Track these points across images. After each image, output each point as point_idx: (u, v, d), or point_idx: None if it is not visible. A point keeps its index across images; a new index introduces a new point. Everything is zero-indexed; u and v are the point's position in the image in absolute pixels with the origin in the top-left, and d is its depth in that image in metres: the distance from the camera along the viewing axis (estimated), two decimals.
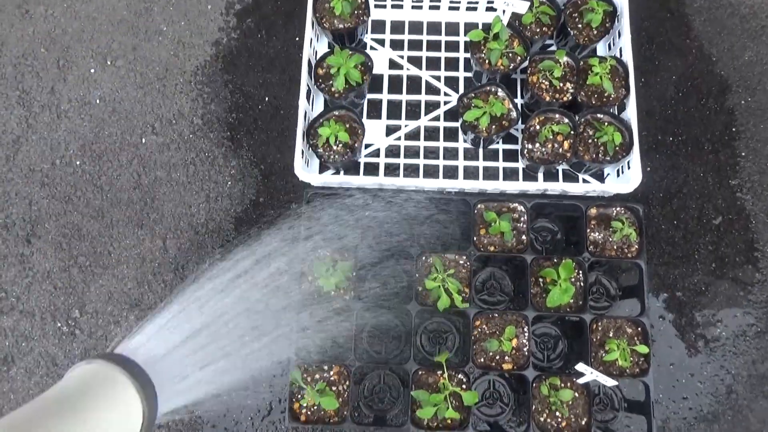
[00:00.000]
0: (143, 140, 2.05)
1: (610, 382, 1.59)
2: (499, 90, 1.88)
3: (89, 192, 2.01)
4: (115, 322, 1.91)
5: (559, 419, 1.67)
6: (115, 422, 1.07)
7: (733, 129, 2.01)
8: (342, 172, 1.95)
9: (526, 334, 1.72)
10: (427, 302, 1.75)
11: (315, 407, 1.68)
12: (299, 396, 1.69)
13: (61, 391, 1.08)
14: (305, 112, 1.87)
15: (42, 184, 2.03)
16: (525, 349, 1.71)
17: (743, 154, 1.99)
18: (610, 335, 1.72)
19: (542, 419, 1.67)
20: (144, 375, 1.16)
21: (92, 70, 2.12)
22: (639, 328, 1.73)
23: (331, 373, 1.72)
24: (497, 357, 1.72)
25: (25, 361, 1.89)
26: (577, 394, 1.69)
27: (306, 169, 1.85)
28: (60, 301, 1.93)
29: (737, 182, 1.97)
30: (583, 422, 1.67)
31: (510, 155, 1.98)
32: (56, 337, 1.91)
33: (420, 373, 1.71)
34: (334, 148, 1.85)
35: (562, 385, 1.69)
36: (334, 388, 1.69)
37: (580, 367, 1.58)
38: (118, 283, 1.94)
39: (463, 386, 1.69)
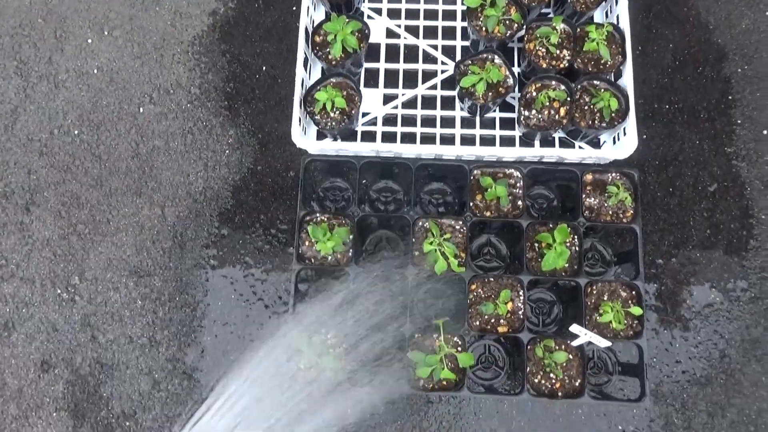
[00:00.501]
0: (141, 110, 2.06)
1: (603, 343, 1.61)
2: (496, 57, 1.88)
3: (87, 161, 2.02)
4: (114, 289, 1.93)
5: (553, 380, 1.69)
6: None
7: (730, 97, 2.02)
8: (339, 140, 1.95)
9: (522, 298, 1.74)
10: (423, 266, 1.76)
11: (313, 368, 1.70)
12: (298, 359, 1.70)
13: None
14: (302, 80, 1.88)
15: (41, 154, 2.03)
16: (520, 312, 1.73)
17: (739, 121, 2.00)
18: (605, 298, 1.74)
19: (536, 381, 1.69)
20: None
21: (89, 41, 2.12)
22: (633, 292, 1.74)
23: (329, 335, 1.73)
24: (493, 320, 1.74)
25: (26, 327, 1.91)
26: (571, 357, 1.70)
27: (303, 137, 1.86)
28: (59, 268, 1.95)
29: (733, 150, 1.98)
30: (577, 383, 1.69)
31: (507, 123, 1.98)
32: (56, 304, 1.92)
33: (416, 336, 1.73)
34: (331, 114, 1.85)
35: (557, 347, 1.71)
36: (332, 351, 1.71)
37: (574, 328, 1.60)
38: (117, 250, 1.95)
39: (459, 348, 1.71)
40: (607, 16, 2.01)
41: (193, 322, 1.90)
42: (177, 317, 1.90)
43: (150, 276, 1.93)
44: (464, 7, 1.99)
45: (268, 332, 1.84)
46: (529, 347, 1.70)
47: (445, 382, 1.68)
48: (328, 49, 1.90)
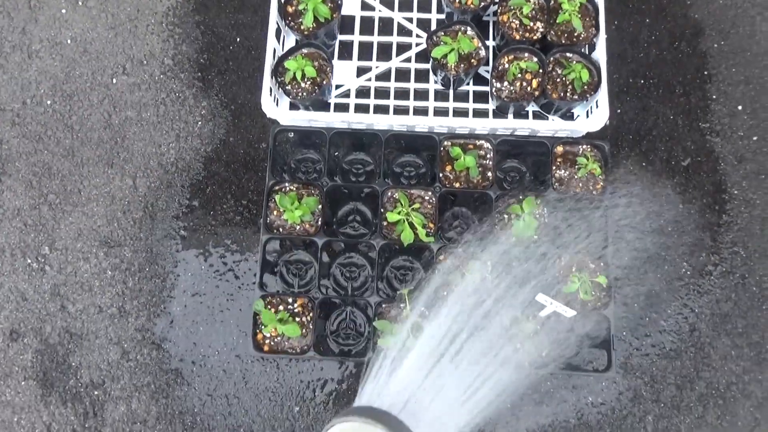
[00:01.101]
0: (114, 80, 2.05)
1: (570, 313, 1.61)
2: (469, 28, 1.87)
3: (60, 131, 2.01)
4: (84, 259, 1.92)
5: (520, 351, 1.68)
6: None
7: (705, 72, 2.01)
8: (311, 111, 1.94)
9: (490, 269, 1.73)
10: (391, 236, 1.75)
11: (279, 337, 1.70)
12: (262, 327, 1.70)
13: None
14: (274, 50, 1.87)
15: (12, 123, 2.02)
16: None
17: (714, 97, 1.99)
18: (573, 270, 1.73)
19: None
20: (404, 427, 1.10)
21: (63, 11, 2.11)
22: (602, 264, 1.73)
23: (296, 305, 1.73)
24: None
25: None
26: (538, 327, 1.70)
27: (275, 107, 1.85)
28: (30, 237, 1.94)
29: (707, 125, 1.97)
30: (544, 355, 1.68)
31: (480, 97, 1.97)
32: (26, 273, 1.92)
33: (383, 306, 1.72)
34: (302, 84, 1.85)
35: (524, 318, 1.70)
36: (298, 319, 1.71)
37: (541, 297, 1.60)
38: (88, 220, 1.95)
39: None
40: None
41: (162, 293, 1.89)
42: (147, 287, 1.90)
43: (120, 246, 1.93)
44: None
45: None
46: None
47: None
48: (300, 20, 1.89)
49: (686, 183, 1.93)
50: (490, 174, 1.80)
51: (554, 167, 1.80)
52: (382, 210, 1.77)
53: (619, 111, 1.96)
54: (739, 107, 1.98)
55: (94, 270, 1.91)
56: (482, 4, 1.88)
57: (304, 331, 1.69)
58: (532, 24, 1.87)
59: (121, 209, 1.95)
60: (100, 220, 1.95)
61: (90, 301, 1.89)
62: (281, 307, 1.72)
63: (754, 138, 1.95)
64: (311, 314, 1.71)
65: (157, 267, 1.91)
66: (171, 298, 1.89)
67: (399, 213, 1.71)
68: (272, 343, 1.70)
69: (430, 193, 1.78)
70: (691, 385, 1.80)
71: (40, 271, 1.92)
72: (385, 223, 1.77)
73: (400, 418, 1.15)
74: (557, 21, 1.87)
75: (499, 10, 1.89)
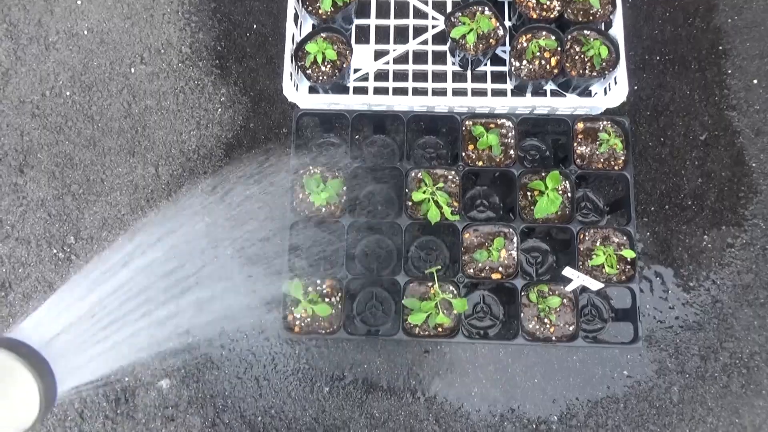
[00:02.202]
0: (132, 70, 2.05)
1: (596, 285, 1.63)
2: (486, 8, 1.88)
3: (80, 122, 2.02)
4: (110, 248, 1.93)
5: (548, 326, 1.70)
6: (10, 410, 1.02)
7: (720, 47, 2.02)
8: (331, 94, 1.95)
9: (515, 246, 1.75)
10: (416, 216, 1.77)
11: (309, 318, 1.72)
12: (292, 308, 1.72)
13: None
14: (293, 35, 1.87)
15: (33, 115, 2.03)
16: (514, 259, 1.74)
17: (729, 71, 2.00)
18: (597, 244, 1.75)
19: (531, 327, 1.71)
20: (37, 356, 1.08)
21: (79, 2, 2.11)
22: (625, 237, 1.75)
23: (324, 286, 1.75)
24: (487, 268, 1.75)
25: (23, 287, 1.92)
26: (565, 302, 1.72)
27: (295, 92, 1.86)
28: (55, 228, 1.95)
29: (723, 99, 1.99)
30: (571, 328, 1.70)
31: (498, 77, 1.99)
32: (52, 263, 1.93)
33: (411, 284, 1.74)
34: (322, 68, 1.86)
35: (551, 292, 1.72)
36: (327, 300, 1.72)
37: (567, 271, 1.62)
38: (112, 209, 1.96)
39: (454, 295, 1.72)
40: None
41: (189, 279, 1.90)
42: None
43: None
44: None
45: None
46: (523, 293, 1.71)
47: (440, 329, 1.70)
48: (318, 4, 1.90)
49: (704, 157, 1.94)
50: (512, 152, 1.82)
51: (575, 144, 1.82)
52: (407, 190, 1.79)
53: (636, 88, 1.98)
54: (755, 81, 1.99)
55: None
56: None
57: (333, 311, 1.70)
58: (548, 2, 1.88)
59: (145, 197, 1.96)
60: (124, 208, 1.96)
61: None
62: (310, 288, 1.74)
63: None
64: (340, 294, 1.73)
65: None
66: (197, 284, 1.90)
67: (424, 192, 1.72)
68: (303, 324, 1.71)
69: (453, 172, 1.80)
70: (715, 356, 1.82)
71: (66, 261, 1.93)
72: (410, 203, 1.78)
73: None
74: None
75: None
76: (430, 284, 1.73)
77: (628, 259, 1.73)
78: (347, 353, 1.84)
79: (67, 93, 2.04)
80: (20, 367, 1.05)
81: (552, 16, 1.88)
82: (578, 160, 1.81)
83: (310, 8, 1.91)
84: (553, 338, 1.70)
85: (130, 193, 1.97)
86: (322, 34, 1.89)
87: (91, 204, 1.96)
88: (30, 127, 2.02)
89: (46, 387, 1.08)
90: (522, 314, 1.71)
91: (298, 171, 1.81)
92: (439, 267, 1.75)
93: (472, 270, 1.75)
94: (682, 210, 1.91)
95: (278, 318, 1.71)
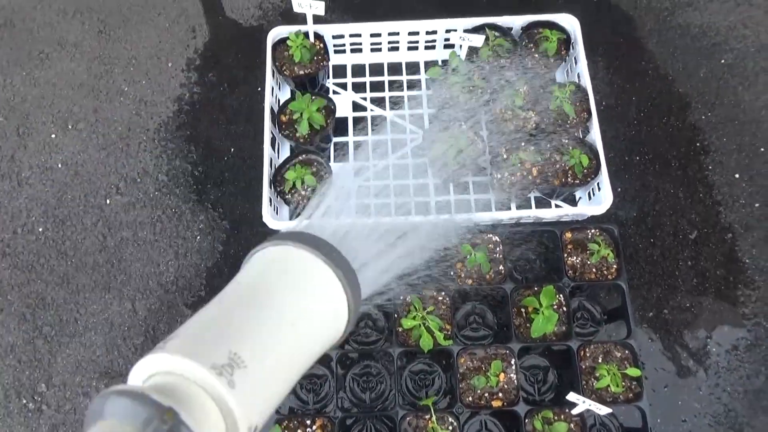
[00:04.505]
0: (108, 201, 2.00)
1: (603, 410, 1.53)
2: (463, 123, 1.89)
3: (53, 258, 1.95)
4: (84, 393, 1.81)
5: None
6: (326, 317, 0.81)
7: (698, 144, 2.03)
8: None
9: (514, 368, 1.66)
10: (408, 342, 1.68)
11: None
12: None
13: (255, 280, 0.80)
14: (270, 160, 1.85)
15: (3, 255, 1.96)
16: (514, 383, 1.65)
17: (710, 167, 2.00)
18: (600, 361, 1.67)
19: None
20: (344, 261, 0.87)
21: (53, 135, 2.09)
22: (627, 351, 1.68)
23: (314, 427, 1.63)
24: (486, 394, 1.65)
25: None
26: (572, 426, 1.62)
27: (275, 217, 1.81)
28: (25, 375, 1.83)
29: (708, 196, 1.97)
30: None
31: (480, 187, 1.96)
32: (21, 415, 1.80)
33: (408, 418, 1.63)
34: (302, 192, 1.82)
35: (556, 417, 1.62)
36: None
37: (572, 396, 1.52)
38: (86, 351, 1.85)
39: (453, 428, 1.61)
40: (568, 75, 2.04)
41: None
42: None
43: (122, 376, 1.82)
44: (428, 77, 2.01)
45: None
46: (527, 420, 1.61)
47: None
48: (295, 128, 1.89)
49: (697, 256, 1.91)
50: (501, 267, 1.77)
51: (566, 255, 1.77)
52: (396, 315, 1.71)
53: (619, 189, 1.96)
54: (737, 175, 1.99)
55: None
56: (473, 98, 1.90)
57: None
58: (525, 113, 1.89)
59: (121, 336, 1.86)
60: (99, 349, 1.85)
61: None
62: (299, 431, 1.62)
63: (756, 205, 1.95)
64: None
65: None
66: None
67: (414, 318, 1.65)
68: None
69: (443, 293, 1.73)
70: None
71: (36, 412, 1.80)
72: (399, 329, 1.70)
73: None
74: (549, 108, 1.89)
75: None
76: (427, 417, 1.62)
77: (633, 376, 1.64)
78: None
79: (40, 229, 1.98)
80: (330, 273, 0.83)
81: (529, 126, 1.89)
82: (570, 272, 1.76)
83: (287, 132, 1.90)
84: None
85: (106, 331, 1.87)
86: (300, 157, 1.87)
87: (63, 346, 1.86)
88: (0, 267, 1.94)
89: (355, 299, 0.84)
90: None
91: None
92: (435, 398, 1.64)
93: (470, 398, 1.65)
94: (681, 312, 1.85)
95: None
